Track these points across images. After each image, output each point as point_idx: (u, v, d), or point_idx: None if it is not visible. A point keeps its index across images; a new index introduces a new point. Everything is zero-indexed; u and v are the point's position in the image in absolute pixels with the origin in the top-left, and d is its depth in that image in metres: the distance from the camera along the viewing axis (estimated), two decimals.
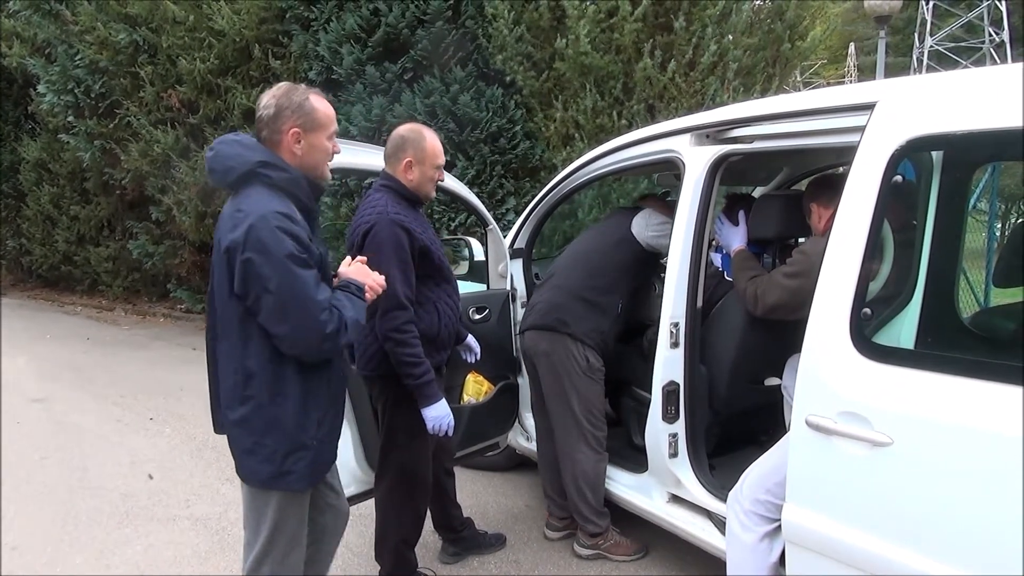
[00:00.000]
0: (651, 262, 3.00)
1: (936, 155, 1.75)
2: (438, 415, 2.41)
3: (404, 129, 2.53)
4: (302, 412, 1.84)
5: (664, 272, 2.64)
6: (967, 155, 1.88)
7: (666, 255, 2.63)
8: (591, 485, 2.86)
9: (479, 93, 5.46)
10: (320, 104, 1.89)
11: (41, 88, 8.02)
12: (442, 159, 2.55)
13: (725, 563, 2.22)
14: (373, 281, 2.00)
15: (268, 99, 1.86)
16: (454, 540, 2.98)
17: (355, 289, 1.92)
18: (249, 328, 1.79)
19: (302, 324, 1.75)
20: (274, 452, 1.83)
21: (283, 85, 1.91)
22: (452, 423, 2.46)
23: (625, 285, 2.92)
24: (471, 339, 2.82)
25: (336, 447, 2.03)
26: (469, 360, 2.86)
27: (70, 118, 7.88)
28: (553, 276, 3.01)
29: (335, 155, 1.97)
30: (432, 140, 2.51)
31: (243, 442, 1.85)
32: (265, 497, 1.90)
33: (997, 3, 30.90)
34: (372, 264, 2.30)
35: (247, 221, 1.72)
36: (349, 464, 2.74)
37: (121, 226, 9.09)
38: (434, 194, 2.67)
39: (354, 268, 2.02)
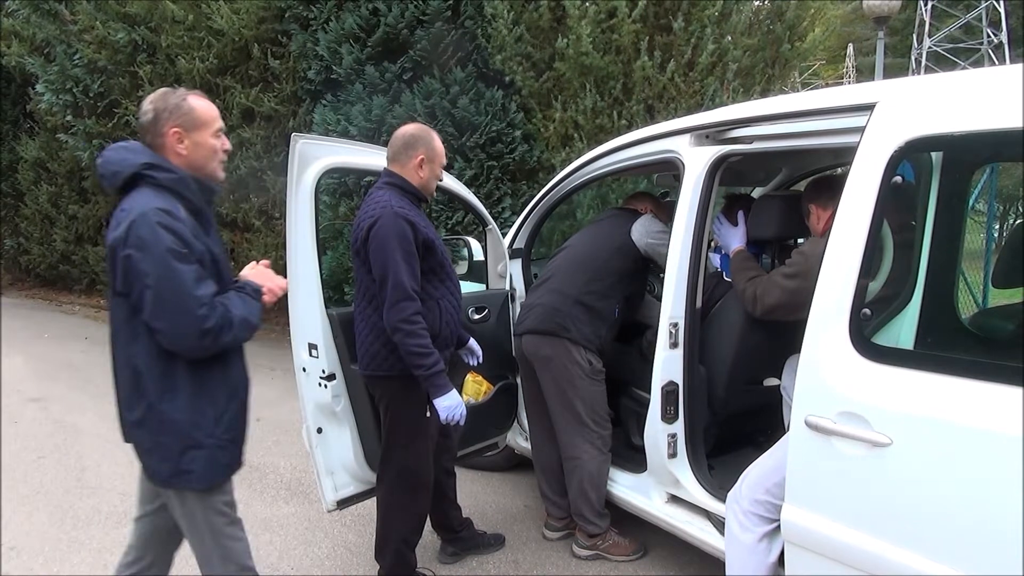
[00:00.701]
0: (648, 267, 3.00)
1: (935, 156, 1.76)
2: (450, 405, 2.43)
3: (413, 128, 2.57)
4: (195, 410, 1.84)
5: (663, 273, 2.64)
6: (966, 156, 1.89)
7: (663, 264, 2.63)
8: (595, 486, 2.86)
9: (478, 95, 5.45)
10: (199, 103, 1.89)
11: (40, 87, 7.99)
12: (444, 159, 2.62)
13: (724, 563, 2.22)
14: (274, 284, 2.00)
15: (147, 105, 1.87)
16: (453, 540, 2.98)
17: (250, 290, 1.93)
18: (136, 326, 1.79)
19: (179, 318, 1.74)
20: (170, 450, 1.84)
21: (160, 90, 1.91)
22: (464, 412, 2.47)
23: (622, 290, 2.93)
24: (473, 342, 2.83)
25: (242, 450, 1.97)
26: (472, 363, 2.86)
27: (68, 117, 7.85)
28: (551, 279, 2.99)
29: (226, 151, 1.95)
30: (439, 140, 2.58)
31: (144, 442, 1.87)
32: (189, 503, 1.90)
33: (995, 4, 30.92)
34: (377, 258, 2.32)
35: (128, 219, 1.74)
36: (349, 464, 2.75)
37: None
38: (435, 193, 2.71)
39: (255, 271, 2.02)
